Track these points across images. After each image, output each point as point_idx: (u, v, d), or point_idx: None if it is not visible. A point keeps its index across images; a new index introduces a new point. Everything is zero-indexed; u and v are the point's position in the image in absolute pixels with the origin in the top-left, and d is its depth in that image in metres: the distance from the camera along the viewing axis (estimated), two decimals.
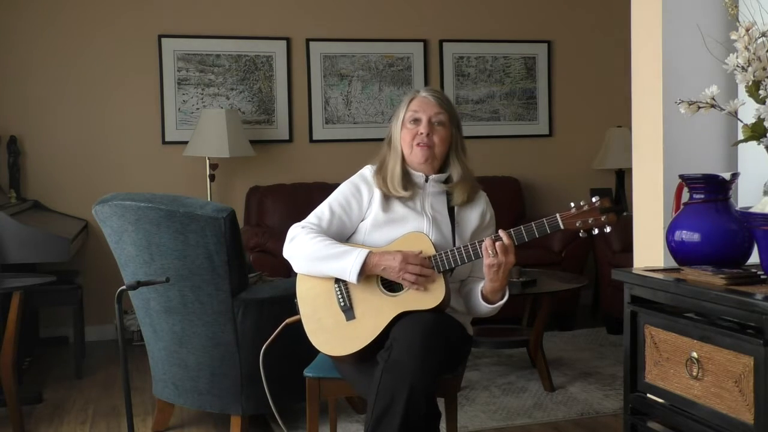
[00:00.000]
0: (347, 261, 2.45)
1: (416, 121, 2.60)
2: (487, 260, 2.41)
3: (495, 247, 2.39)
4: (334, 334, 2.50)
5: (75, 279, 4.83)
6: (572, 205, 2.41)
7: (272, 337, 2.68)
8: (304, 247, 2.52)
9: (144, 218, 3.15)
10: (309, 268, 2.53)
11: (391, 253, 2.44)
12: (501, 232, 2.41)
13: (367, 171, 2.68)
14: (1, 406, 3.76)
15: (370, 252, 2.46)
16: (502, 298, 2.53)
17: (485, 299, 2.53)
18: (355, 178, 2.68)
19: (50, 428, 3.69)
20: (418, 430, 2.31)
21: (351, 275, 2.44)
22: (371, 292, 2.48)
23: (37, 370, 4.65)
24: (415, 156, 2.60)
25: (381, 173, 2.63)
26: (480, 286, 2.53)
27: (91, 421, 3.77)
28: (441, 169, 2.66)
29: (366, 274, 2.46)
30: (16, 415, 3.55)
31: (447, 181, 2.65)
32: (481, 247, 2.42)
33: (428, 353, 2.29)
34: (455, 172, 2.64)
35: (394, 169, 2.60)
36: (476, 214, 2.65)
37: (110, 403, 4.04)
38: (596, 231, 2.40)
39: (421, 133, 2.58)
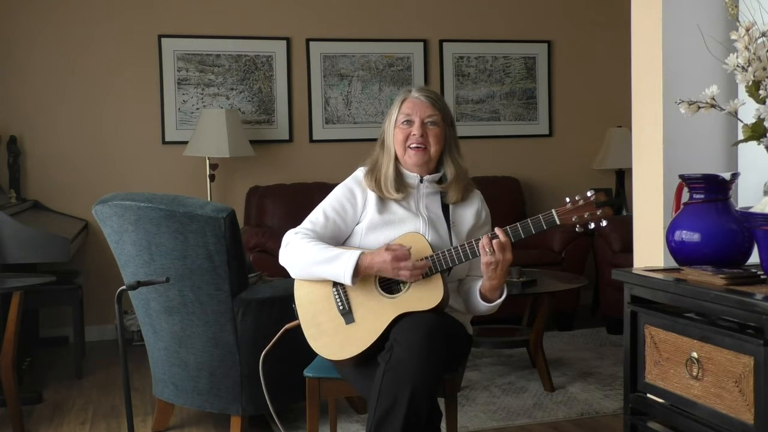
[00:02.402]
0: (340, 264, 2.44)
1: (409, 122, 2.59)
2: (485, 258, 2.41)
3: (492, 245, 2.39)
4: (333, 338, 2.49)
5: (75, 279, 4.83)
6: (567, 200, 2.42)
7: (272, 343, 2.68)
8: (298, 253, 2.52)
9: (144, 218, 3.15)
10: (305, 273, 2.53)
11: (380, 252, 2.44)
12: (497, 230, 2.41)
13: (361, 173, 2.67)
14: (1, 406, 3.76)
15: (362, 253, 2.45)
16: (500, 297, 2.53)
17: (483, 298, 2.53)
18: (348, 181, 2.67)
19: (50, 428, 3.69)
20: (420, 430, 2.31)
21: (345, 278, 2.44)
22: (370, 295, 2.48)
23: (37, 370, 4.65)
24: (409, 158, 2.59)
25: (373, 174, 2.62)
26: (478, 285, 2.53)
27: (91, 421, 3.77)
28: (435, 169, 2.65)
29: (361, 275, 2.46)
30: (16, 415, 3.55)
31: (441, 180, 2.65)
32: (477, 246, 2.42)
33: (429, 353, 2.29)
34: (449, 171, 2.63)
35: (387, 171, 2.59)
36: (471, 212, 2.64)
37: (110, 403, 4.04)
38: (592, 225, 2.40)
39: (414, 134, 2.57)
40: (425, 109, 2.59)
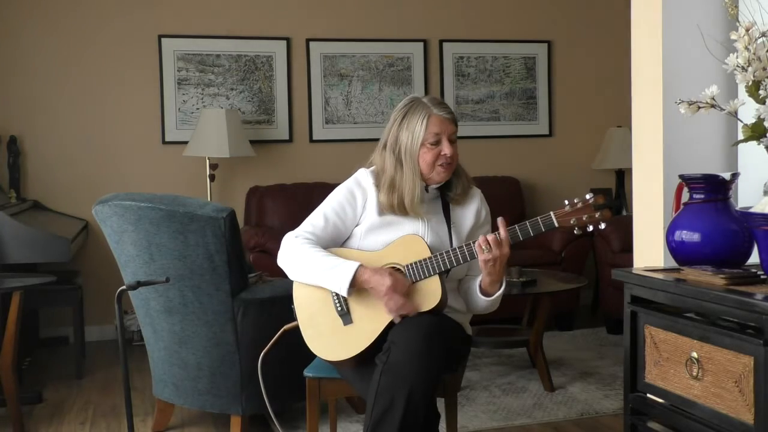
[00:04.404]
0: (337, 275, 2.44)
1: (437, 142, 2.54)
2: (482, 256, 2.40)
3: (489, 243, 2.38)
4: (331, 339, 2.49)
5: (75, 279, 4.83)
6: (566, 202, 2.40)
7: (270, 343, 2.68)
8: (297, 258, 2.52)
9: (144, 218, 3.15)
10: (302, 279, 2.54)
11: (381, 274, 2.42)
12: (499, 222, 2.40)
13: (362, 175, 2.66)
14: (1, 406, 3.76)
15: (360, 266, 2.44)
16: (500, 289, 2.53)
17: (483, 292, 2.53)
18: (349, 182, 2.65)
19: (50, 428, 3.69)
20: (418, 431, 2.31)
21: (341, 290, 2.44)
22: (368, 297, 2.47)
23: (37, 370, 4.65)
24: (437, 174, 2.56)
25: (394, 193, 2.55)
26: (478, 281, 2.53)
27: (91, 421, 3.77)
28: None
29: (357, 287, 2.45)
30: (16, 415, 3.55)
31: (444, 186, 2.64)
32: (475, 247, 2.42)
33: (426, 355, 2.29)
34: (460, 184, 2.62)
35: (414, 190, 2.54)
36: (471, 212, 2.64)
37: (110, 403, 4.04)
38: (591, 228, 2.39)
39: (445, 154, 2.53)
40: (450, 126, 2.56)
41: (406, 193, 2.55)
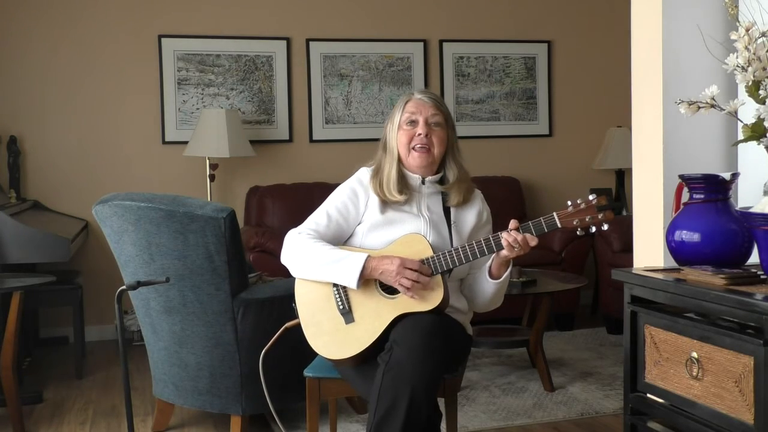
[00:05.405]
0: (346, 267, 2.44)
1: (413, 122, 2.58)
2: (511, 254, 2.40)
3: (518, 242, 2.38)
4: (333, 337, 2.49)
5: (75, 279, 4.83)
6: (569, 203, 2.41)
7: (272, 341, 2.68)
8: (302, 254, 2.52)
9: (144, 218, 3.15)
10: (308, 274, 2.53)
11: (389, 257, 2.43)
12: (513, 231, 2.40)
13: (363, 173, 2.67)
14: (1, 406, 3.76)
15: (368, 256, 2.45)
16: (506, 270, 2.53)
17: (493, 275, 2.52)
18: (351, 181, 2.66)
19: (50, 428, 3.69)
20: (420, 430, 2.31)
21: (350, 281, 2.44)
22: (370, 295, 2.47)
23: (37, 370, 4.65)
24: (413, 160, 2.58)
25: (377, 178, 2.61)
26: (488, 266, 2.53)
27: (91, 421, 3.77)
28: (437, 171, 2.65)
29: (365, 278, 2.45)
30: (16, 415, 3.55)
31: (442, 181, 2.65)
32: (478, 248, 2.42)
33: (428, 354, 2.29)
34: (451, 173, 2.63)
35: (390, 173, 2.58)
36: (473, 213, 2.64)
37: (110, 403, 4.04)
38: (593, 229, 2.39)
39: (419, 134, 2.56)
40: (429, 108, 2.59)
41: (384, 175, 2.59)
